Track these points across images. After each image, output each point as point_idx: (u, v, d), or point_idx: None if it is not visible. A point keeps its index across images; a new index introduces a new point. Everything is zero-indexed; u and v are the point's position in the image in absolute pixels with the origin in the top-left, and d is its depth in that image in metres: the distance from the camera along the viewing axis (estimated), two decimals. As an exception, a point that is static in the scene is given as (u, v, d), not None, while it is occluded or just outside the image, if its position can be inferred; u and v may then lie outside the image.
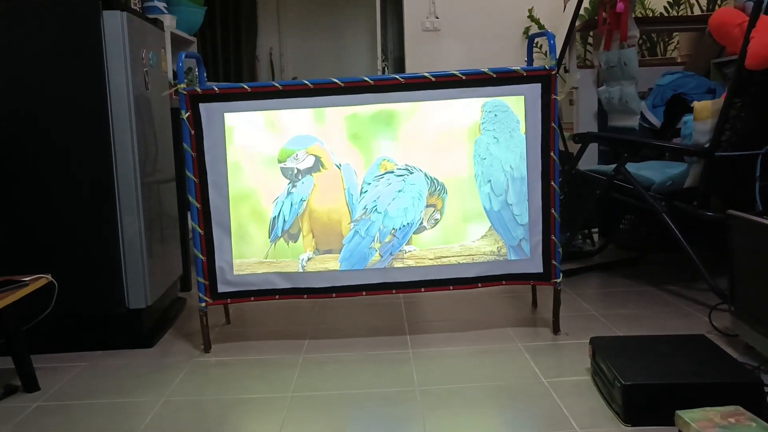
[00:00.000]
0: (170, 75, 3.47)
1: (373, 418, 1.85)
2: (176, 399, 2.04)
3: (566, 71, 4.10)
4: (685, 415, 1.57)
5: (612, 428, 1.74)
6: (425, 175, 2.38)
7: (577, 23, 4.00)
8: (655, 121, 3.53)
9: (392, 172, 2.37)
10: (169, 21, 3.95)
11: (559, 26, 4.20)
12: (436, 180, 2.38)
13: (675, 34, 4.71)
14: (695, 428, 1.51)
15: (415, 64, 5.00)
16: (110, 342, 2.51)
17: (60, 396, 2.10)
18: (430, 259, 2.40)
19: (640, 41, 4.65)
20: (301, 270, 2.40)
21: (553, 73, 2.33)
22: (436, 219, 2.38)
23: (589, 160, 3.85)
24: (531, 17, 4.90)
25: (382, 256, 2.40)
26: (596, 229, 3.99)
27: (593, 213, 3.53)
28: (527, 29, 4.99)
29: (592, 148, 3.96)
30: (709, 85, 3.47)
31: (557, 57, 3.90)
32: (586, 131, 3.63)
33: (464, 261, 2.41)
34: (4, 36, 2.37)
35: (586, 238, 3.95)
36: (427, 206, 2.39)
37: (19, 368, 2.13)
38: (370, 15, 5.37)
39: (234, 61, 5.62)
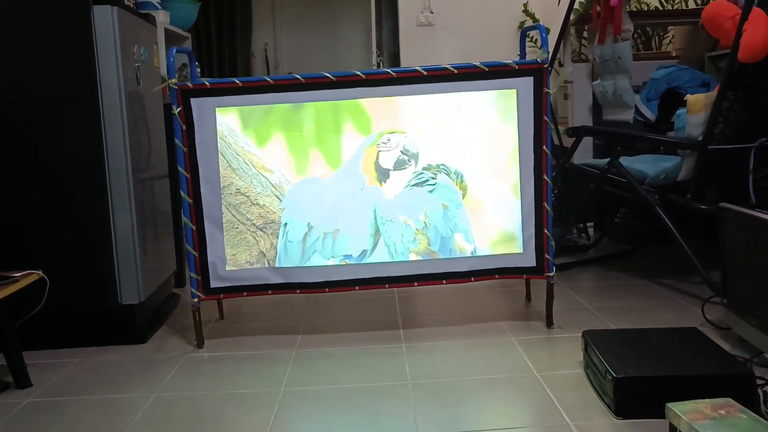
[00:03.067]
0: (163, 70, 3.46)
1: (364, 412, 1.85)
2: (168, 394, 2.03)
3: (561, 65, 4.09)
4: (676, 407, 1.56)
5: (603, 421, 1.74)
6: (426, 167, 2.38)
7: (572, 17, 3.99)
8: (650, 114, 3.53)
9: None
10: (162, 17, 3.93)
11: (554, 20, 4.20)
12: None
13: (670, 27, 4.70)
14: (686, 420, 1.51)
15: (410, 59, 4.98)
16: (103, 338, 2.50)
17: (52, 392, 2.09)
18: (424, 252, 2.40)
19: (635, 35, 4.64)
20: (296, 265, 2.40)
21: (545, 66, 2.33)
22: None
23: (585, 155, 3.84)
24: (526, 12, 4.89)
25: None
26: (591, 223, 3.99)
27: (588, 207, 3.52)
28: (522, 24, 4.97)
29: (588, 143, 3.95)
30: (704, 78, 3.47)
31: (551, 51, 3.90)
32: (580, 125, 3.63)
33: (457, 255, 2.41)
34: (-6, 31, 2.36)
35: (582, 232, 3.95)
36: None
37: (10, 365, 2.12)
38: (365, 10, 5.35)
39: (229, 57, 5.60)
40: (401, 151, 2.36)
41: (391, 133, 2.35)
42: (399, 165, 2.36)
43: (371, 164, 2.36)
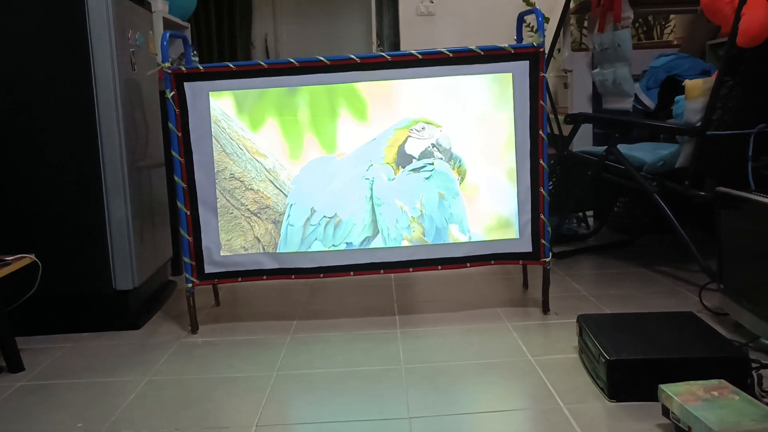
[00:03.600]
0: (160, 58, 3.45)
1: (356, 395, 1.84)
2: (160, 378, 2.03)
3: (560, 52, 4.07)
4: (668, 388, 1.55)
5: (597, 404, 1.72)
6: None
7: (572, 5, 3.97)
8: (649, 103, 3.50)
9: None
10: (161, 6, 3.91)
11: (553, 9, 4.17)
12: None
13: (671, 16, 4.67)
14: (678, 402, 1.49)
15: (410, 49, 4.96)
16: (97, 323, 2.49)
17: (44, 376, 2.09)
18: (417, 240, 2.38)
19: (636, 24, 4.61)
20: (292, 251, 2.38)
21: (541, 50, 2.31)
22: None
23: (585, 145, 3.81)
24: (526, 1, 4.86)
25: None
26: (590, 213, 3.96)
27: (586, 194, 3.50)
28: (522, 13, 4.95)
29: (588, 133, 3.93)
30: (704, 66, 3.44)
31: (552, 39, 3.88)
32: (579, 112, 3.60)
33: (453, 240, 2.39)
34: (-14, 16, 2.35)
35: (581, 221, 3.92)
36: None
37: (2, 348, 2.12)
38: (365, 0, 5.34)
39: (228, 47, 5.59)
40: (432, 144, 2.34)
41: (428, 123, 2.33)
42: (426, 154, 2.34)
43: (396, 146, 2.34)
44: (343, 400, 1.82)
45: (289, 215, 2.37)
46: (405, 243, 2.38)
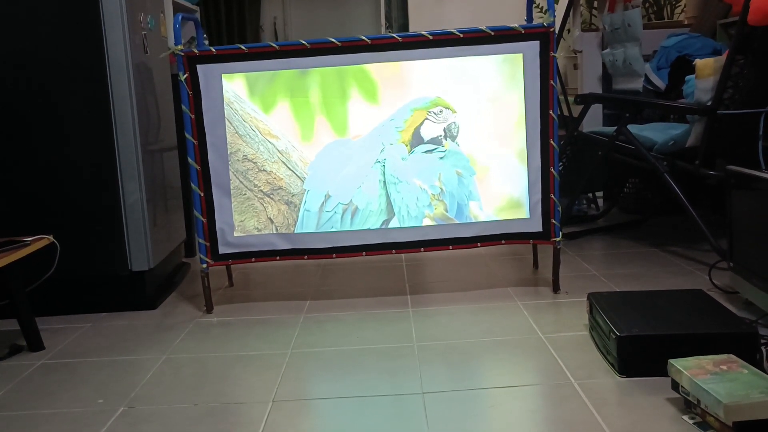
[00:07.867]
0: (171, 40, 3.46)
1: (370, 371, 1.88)
2: (177, 356, 2.07)
3: (569, 33, 4.06)
4: (678, 363, 1.57)
5: (607, 379, 1.75)
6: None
7: (582, -14, 3.95)
8: (660, 83, 3.50)
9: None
10: (170, -11, 3.92)
11: (564, -10, 4.15)
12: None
13: (682, -4, 4.64)
14: (687, 375, 1.52)
15: (419, 31, 4.95)
16: (114, 304, 2.54)
17: (64, 354, 2.13)
18: (440, 217, 2.40)
19: (647, 4, 4.59)
20: (308, 231, 2.41)
21: (551, 30, 2.31)
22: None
23: (595, 125, 3.81)
24: (536, -18, 4.84)
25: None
26: (600, 194, 3.97)
27: (596, 175, 3.51)
28: (533, -6, 4.93)
29: (598, 114, 3.93)
30: (715, 46, 3.43)
31: (562, 20, 3.87)
32: (589, 92, 3.60)
33: (473, 218, 2.41)
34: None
35: (591, 202, 3.93)
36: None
37: (23, 328, 2.16)
38: (374, -18, 5.33)
39: (238, 31, 5.60)
40: (445, 128, 2.35)
41: (446, 107, 2.34)
42: (435, 141, 2.35)
43: (413, 127, 2.36)
44: (357, 376, 1.85)
45: (305, 201, 2.40)
46: (427, 221, 2.40)
